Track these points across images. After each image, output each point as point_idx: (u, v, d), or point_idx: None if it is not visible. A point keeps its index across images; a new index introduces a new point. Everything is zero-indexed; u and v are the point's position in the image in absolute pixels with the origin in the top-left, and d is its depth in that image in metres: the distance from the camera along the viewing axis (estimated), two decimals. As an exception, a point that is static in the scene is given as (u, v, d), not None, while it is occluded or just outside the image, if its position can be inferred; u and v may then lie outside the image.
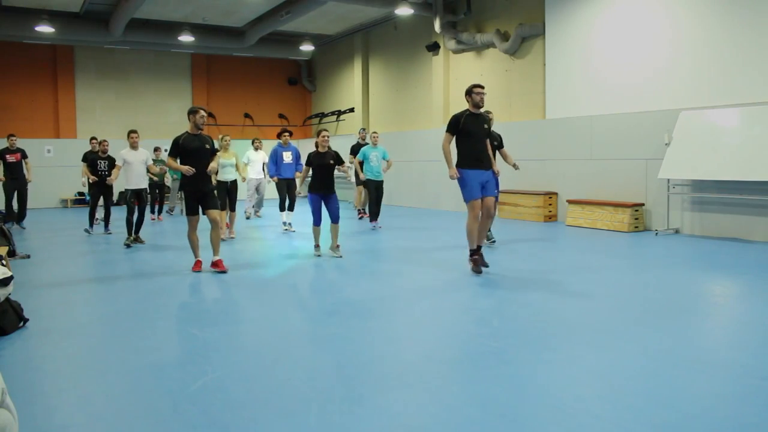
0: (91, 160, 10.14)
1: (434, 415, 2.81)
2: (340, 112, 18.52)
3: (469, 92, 6.19)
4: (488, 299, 5.10)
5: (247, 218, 12.28)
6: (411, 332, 4.32)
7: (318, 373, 3.38)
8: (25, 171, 11.16)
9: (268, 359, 3.65)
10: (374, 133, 10.84)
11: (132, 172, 8.86)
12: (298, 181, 7.27)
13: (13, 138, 11.12)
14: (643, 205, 9.61)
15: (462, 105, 13.73)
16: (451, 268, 6.52)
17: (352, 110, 17.81)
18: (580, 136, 10.69)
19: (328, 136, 7.39)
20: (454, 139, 6.23)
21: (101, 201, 10.25)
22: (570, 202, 10.47)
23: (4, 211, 11.22)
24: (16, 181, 11.05)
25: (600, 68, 10.34)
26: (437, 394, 3.08)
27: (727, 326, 4.40)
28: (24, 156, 11.12)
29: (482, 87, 6.19)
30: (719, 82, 8.60)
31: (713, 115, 8.55)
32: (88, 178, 10.13)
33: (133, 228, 8.81)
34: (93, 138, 11.13)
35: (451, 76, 14.09)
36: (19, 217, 11.21)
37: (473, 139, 6.12)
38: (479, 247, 6.16)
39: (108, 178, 9.76)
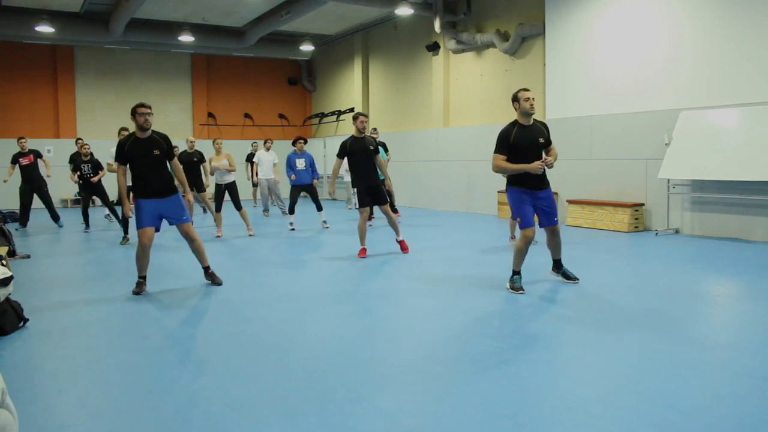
0: (76, 165, 10.46)
1: (434, 415, 2.81)
2: (340, 112, 18.52)
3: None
4: (488, 299, 5.10)
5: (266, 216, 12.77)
6: (411, 332, 4.32)
7: (318, 373, 3.38)
8: (42, 171, 11.19)
9: (268, 359, 3.65)
10: (373, 129, 10.92)
11: None
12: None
13: (24, 140, 11.08)
14: (643, 205, 9.61)
15: (461, 105, 13.84)
16: (451, 268, 6.52)
17: (352, 110, 17.80)
18: (580, 136, 10.69)
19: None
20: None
21: (99, 202, 10.54)
22: (570, 202, 10.47)
23: (3, 212, 11.24)
24: (33, 184, 11.00)
25: (600, 68, 10.34)
26: (437, 394, 3.08)
27: (727, 326, 4.40)
28: (38, 156, 11.11)
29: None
30: (719, 82, 8.60)
31: (713, 115, 8.55)
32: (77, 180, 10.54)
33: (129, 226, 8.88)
34: (79, 139, 11.04)
35: (451, 76, 14.09)
36: (54, 218, 11.29)
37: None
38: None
39: (92, 178, 10.33)
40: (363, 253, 7.32)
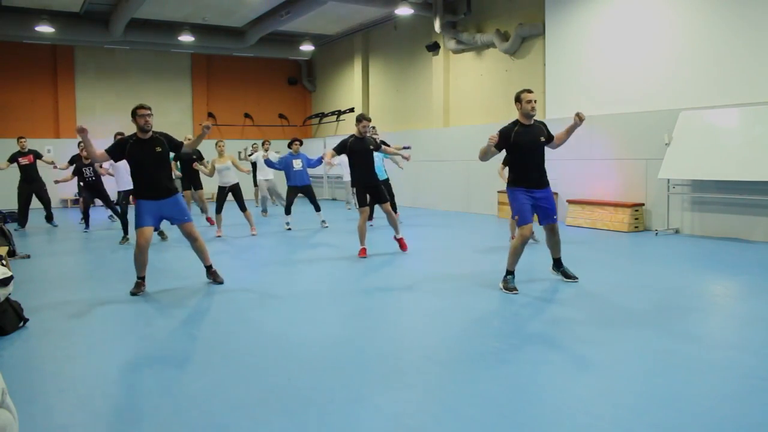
0: (77, 168, 10.36)
1: (434, 415, 2.81)
2: (340, 112, 18.52)
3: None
4: (488, 299, 5.10)
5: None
6: (411, 332, 4.32)
7: (318, 373, 3.38)
8: (42, 171, 11.27)
9: (268, 359, 3.65)
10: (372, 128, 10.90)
11: (120, 174, 8.94)
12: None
13: (23, 140, 11.11)
14: (643, 205, 9.61)
15: (461, 105, 13.83)
16: (451, 268, 6.52)
17: (352, 110, 17.81)
18: (580, 136, 10.64)
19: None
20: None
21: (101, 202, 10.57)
22: (570, 202, 10.47)
23: (3, 211, 11.24)
24: (33, 184, 11.03)
25: (600, 68, 10.34)
26: (437, 394, 3.08)
27: (728, 326, 4.40)
28: (38, 156, 11.14)
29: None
30: (719, 82, 8.59)
31: (713, 115, 8.55)
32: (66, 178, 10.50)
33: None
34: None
35: (451, 76, 14.09)
36: (48, 218, 11.47)
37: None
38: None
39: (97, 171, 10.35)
40: (363, 253, 7.33)
